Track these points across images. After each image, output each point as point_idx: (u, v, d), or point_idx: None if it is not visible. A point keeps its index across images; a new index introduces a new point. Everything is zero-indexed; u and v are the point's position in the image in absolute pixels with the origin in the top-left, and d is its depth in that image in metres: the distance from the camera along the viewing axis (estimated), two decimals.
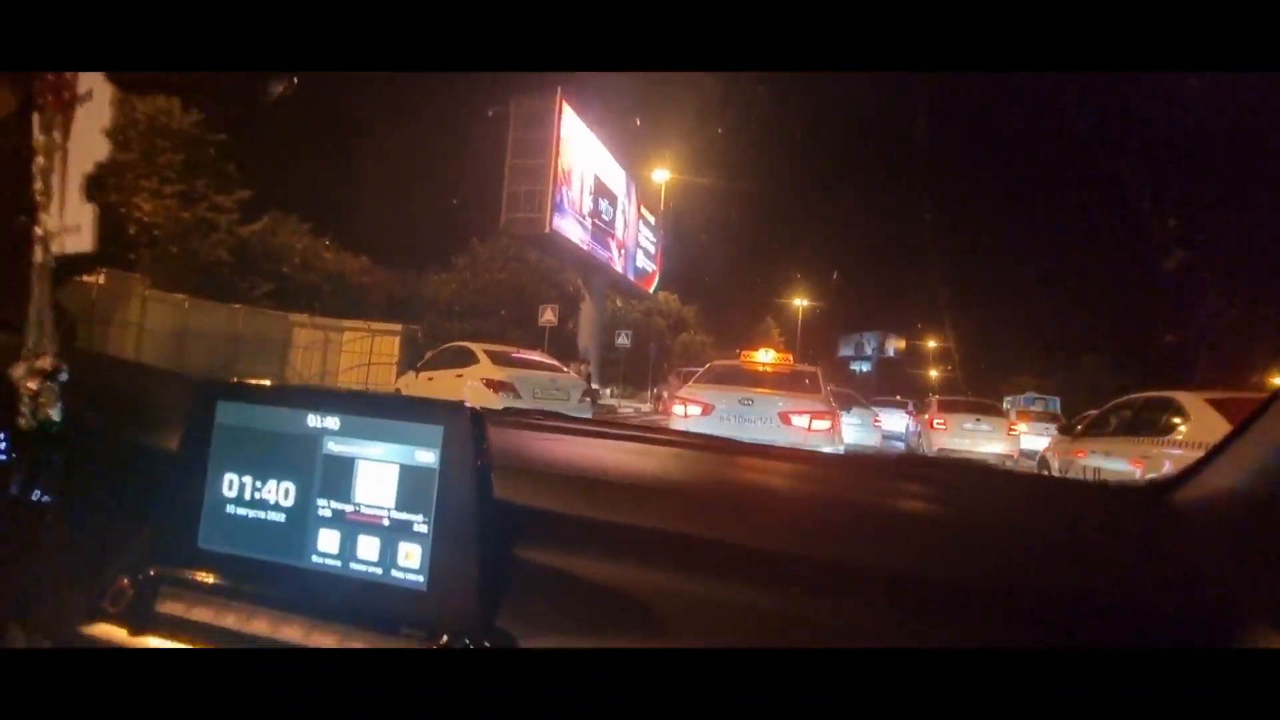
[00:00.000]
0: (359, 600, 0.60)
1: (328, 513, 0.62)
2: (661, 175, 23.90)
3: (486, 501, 0.60)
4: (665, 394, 17.47)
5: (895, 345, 69.26)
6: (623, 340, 17.73)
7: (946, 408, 9.40)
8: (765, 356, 6.05)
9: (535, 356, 8.11)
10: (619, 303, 25.07)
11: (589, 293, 19.93)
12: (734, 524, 0.67)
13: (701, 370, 6.13)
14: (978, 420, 8.97)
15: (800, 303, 51.19)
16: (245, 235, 15.14)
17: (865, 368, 67.30)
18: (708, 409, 5.09)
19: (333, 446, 0.63)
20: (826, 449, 4.83)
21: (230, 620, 0.62)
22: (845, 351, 71.06)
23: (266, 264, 15.63)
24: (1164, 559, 0.63)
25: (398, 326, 14.66)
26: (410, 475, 0.60)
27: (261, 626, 0.61)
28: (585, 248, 18.30)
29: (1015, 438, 8.74)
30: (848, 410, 8.22)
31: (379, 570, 0.60)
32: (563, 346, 17.46)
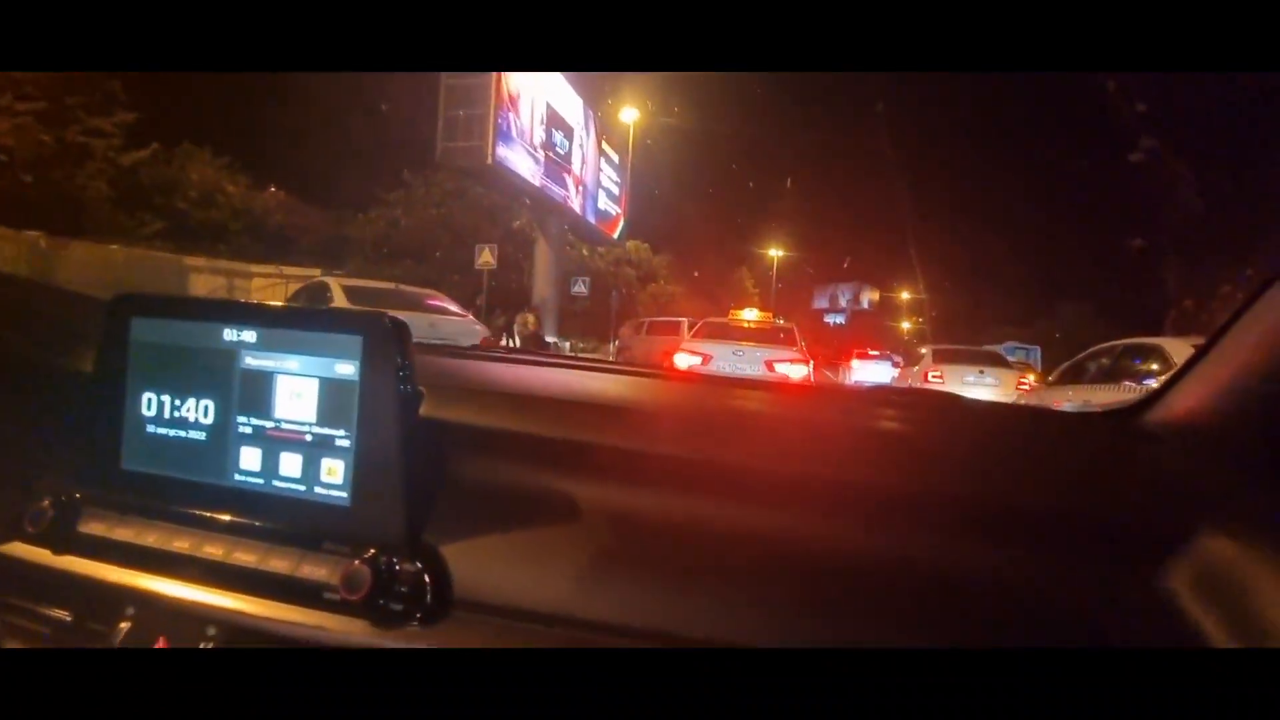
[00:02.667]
0: (282, 518, 0.60)
1: (248, 430, 0.61)
2: (630, 115, 21.92)
3: (411, 414, 0.59)
4: (621, 345, 15.99)
5: (870, 297, 68.68)
6: (579, 288, 15.94)
7: (944, 358, 8.02)
8: (750, 315, 7.31)
9: (436, 301, 6.49)
10: (585, 251, 23.36)
11: (544, 236, 18.07)
12: (676, 439, 0.66)
13: (698, 325, 7.05)
14: (981, 373, 7.64)
15: (775, 253, 50.13)
16: (128, 164, 12.84)
17: (839, 320, 66.87)
18: (707, 358, 5.96)
19: (250, 361, 0.61)
20: None
21: (152, 539, 0.62)
22: (820, 303, 70.42)
23: (157, 198, 13.38)
24: (1131, 475, 0.64)
25: (315, 271, 12.72)
26: (331, 389, 0.59)
27: (183, 545, 0.61)
28: (537, 184, 16.33)
29: (1025, 393, 7.40)
30: None
31: (302, 487, 0.59)
32: (512, 294, 15.71)
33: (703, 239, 40.03)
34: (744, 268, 46.55)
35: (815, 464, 0.62)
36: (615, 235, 24.29)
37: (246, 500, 0.60)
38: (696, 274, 35.16)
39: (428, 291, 7.52)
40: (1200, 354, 0.67)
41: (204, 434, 0.61)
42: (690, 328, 15.20)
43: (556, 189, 17.54)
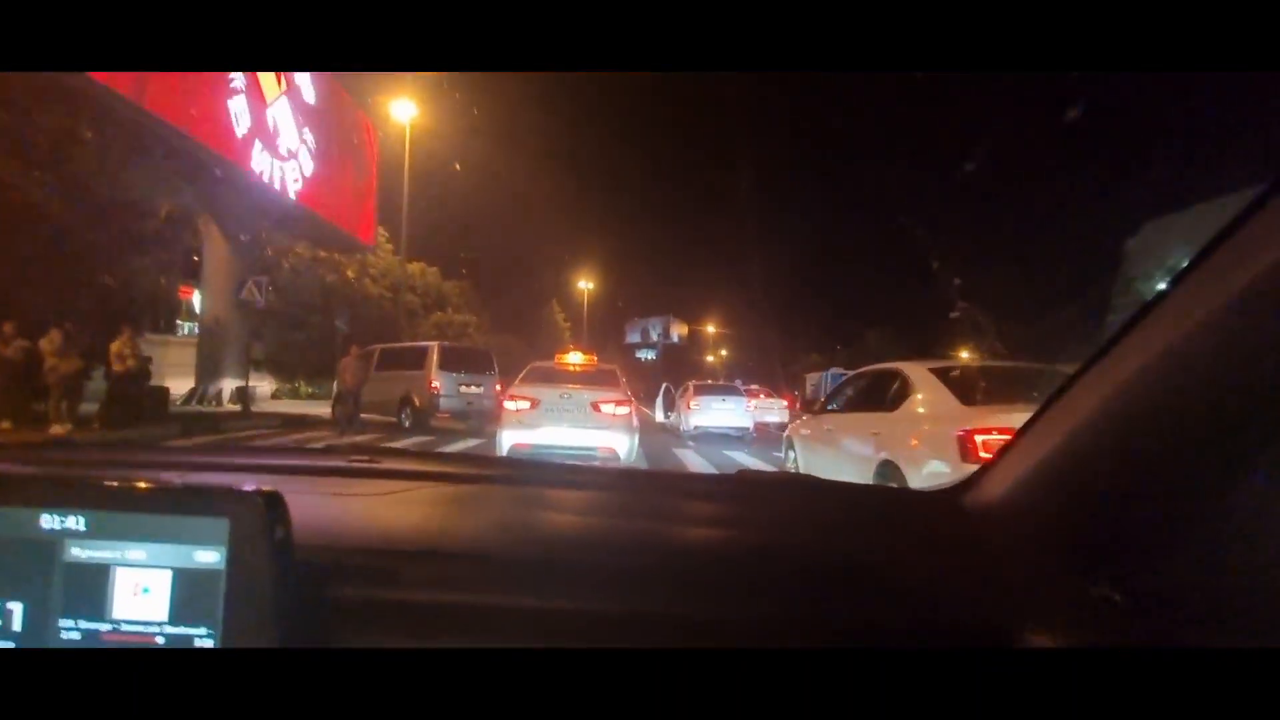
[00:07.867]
0: None
1: (75, 636, 0.52)
2: (407, 110, 16.53)
3: (290, 601, 0.52)
4: (338, 391, 10.22)
5: (679, 331, 68.95)
6: (250, 292, 9.73)
7: (992, 394, 3.57)
8: (575, 358, 7.90)
9: None
10: (354, 272, 16.94)
11: (214, 219, 11.65)
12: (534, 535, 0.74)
13: (525, 371, 7.15)
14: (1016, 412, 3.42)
15: (586, 285, 47.02)
16: None
17: (651, 355, 65.80)
18: (535, 402, 6.37)
19: (77, 553, 0.53)
20: (623, 434, 6.34)
21: None
22: (632, 338, 69.13)
23: None
24: (950, 556, 0.72)
25: None
26: (189, 580, 0.52)
27: None
28: (181, 129, 9.99)
29: None
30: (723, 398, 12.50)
31: None
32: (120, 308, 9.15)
33: (508, 268, 35.35)
34: (554, 300, 42.75)
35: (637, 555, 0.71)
36: (370, 240, 18.20)
37: None
38: (501, 304, 30.33)
39: None
40: (1019, 435, 0.73)
41: (11, 643, 0.52)
42: (442, 354, 10.39)
43: (233, 140, 11.22)
